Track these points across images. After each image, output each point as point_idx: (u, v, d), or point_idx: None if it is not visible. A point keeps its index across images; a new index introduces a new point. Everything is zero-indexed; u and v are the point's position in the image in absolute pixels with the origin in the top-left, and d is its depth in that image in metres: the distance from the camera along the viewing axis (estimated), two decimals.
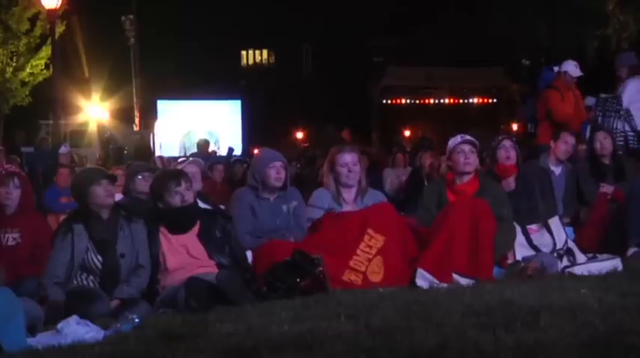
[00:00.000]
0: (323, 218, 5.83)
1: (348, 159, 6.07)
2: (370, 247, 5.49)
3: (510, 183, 6.43)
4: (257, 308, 4.62)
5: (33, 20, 20.69)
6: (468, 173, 6.09)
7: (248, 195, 6.03)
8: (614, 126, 8.65)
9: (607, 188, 6.98)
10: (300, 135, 33.06)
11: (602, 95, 9.05)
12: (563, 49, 22.85)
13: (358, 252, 5.45)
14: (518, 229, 5.94)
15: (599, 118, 8.82)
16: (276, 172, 5.96)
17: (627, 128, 8.73)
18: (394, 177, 11.03)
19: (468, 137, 6.12)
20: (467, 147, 6.07)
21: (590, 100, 9.26)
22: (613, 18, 20.68)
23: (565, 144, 7.63)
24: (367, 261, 5.44)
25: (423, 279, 5.27)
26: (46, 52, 20.64)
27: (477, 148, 6.15)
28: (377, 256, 5.47)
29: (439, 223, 5.59)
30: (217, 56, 32.66)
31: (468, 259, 5.39)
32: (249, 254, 5.60)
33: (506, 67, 29.38)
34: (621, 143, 8.49)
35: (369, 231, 5.52)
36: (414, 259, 5.52)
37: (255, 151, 17.27)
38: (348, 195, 6.11)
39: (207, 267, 5.20)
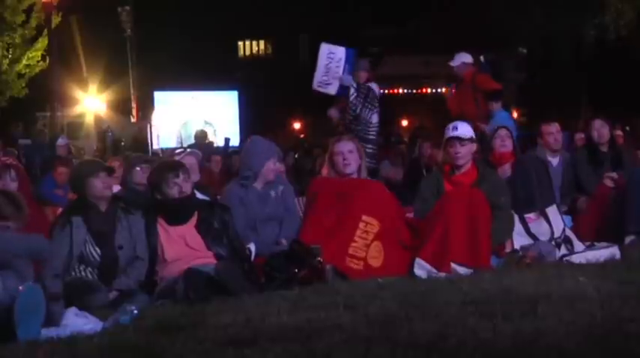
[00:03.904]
0: (320, 195, 5.84)
1: (344, 148, 6.06)
2: (367, 233, 5.50)
3: (506, 170, 6.44)
4: (255, 298, 4.62)
5: (28, 12, 20.62)
6: (461, 166, 6.04)
7: (235, 189, 6.03)
8: (370, 118, 9.00)
9: (612, 176, 6.88)
10: (297, 125, 33.01)
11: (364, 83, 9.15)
12: (560, 38, 22.83)
13: (356, 238, 5.47)
14: (516, 218, 5.94)
15: (359, 107, 8.98)
16: (274, 167, 6.00)
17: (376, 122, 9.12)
18: (391, 172, 11.04)
19: (457, 131, 6.02)
20: (457, 141, 6.02)
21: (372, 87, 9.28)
22: (610, 6, 20.64)
23: (548, 135, 7.65)
24: (366, 246, 5.46)
25: (422, 269, 5.28)
26: (42, 43, 20.60)
27: (471, 138, 6.06)
28: (375, 241, 5.50)
29: (436, 213, 5.59)
30: (214, 47, 32.58)
31: (465, 248, 5.40)
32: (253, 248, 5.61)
33: (504, 56, 29.35)
34: (373, 137, 9.00)
35: (364, 217, 5.54)
36: (408, 246, 5.54)
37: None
38: None
39: (205, 258, 5.20)
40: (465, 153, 5.98)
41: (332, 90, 9.21)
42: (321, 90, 9.24)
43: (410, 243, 5.62)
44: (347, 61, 9.20)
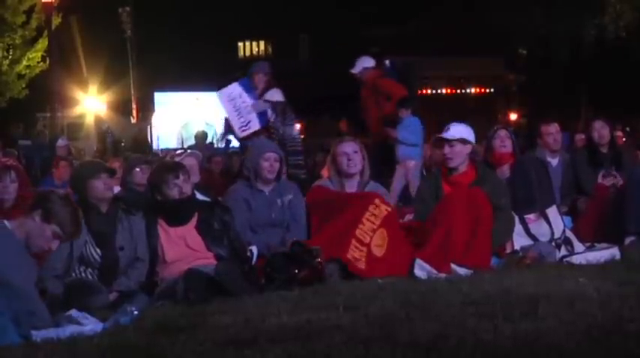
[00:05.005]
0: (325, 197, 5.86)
1: (347, 149, 6.06)
2: (375, 216, 5.46)
3: (505, 171, 6.43)
4: (255, 299, 4.62)
5: (28, 13, 20.63)
6: (454, 168, 6.02)
7: (241, 189, 6.00)
8: (292, 133, 9.24)
9: (613, 174, 6.87)
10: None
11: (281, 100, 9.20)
12: (560, 38, 22.83)
13: (364, 220, 5.42)
14: (516, 219, 5.93)
15: (281, 127, 9.07)
16: (270, 165, 5.93)
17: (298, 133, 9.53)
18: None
19: (446, 132, 5.98)
20: (446, 144, 5.97)
21: (276, 94, 9.24)
22: (610, 7, 20.66)
23: (548, 135, 7.66)
24: (372, 231, 5.41)
25: (422, 270, 5.27)
26: (42, 44, 20.60)
27: (461, 139, 6.00)
28: (381, 228, 5.45)
29: (437, 214, 5.59)
30: (214, 48, 32.57)
31: (466, 249, 5.40)
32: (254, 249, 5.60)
33: (504, 57, 29.38)
34: (300, 148, 9.24)
35: (376, 200, 5.53)
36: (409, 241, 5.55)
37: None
38: (351, 186, 6.09)
39: (205, 259, 5.21)
40: (454, 155, 5.94)
41: (255, 125, 9.17)
42: (247, 133, 9.19)
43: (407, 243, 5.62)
44: (247, 91, 9.22)
